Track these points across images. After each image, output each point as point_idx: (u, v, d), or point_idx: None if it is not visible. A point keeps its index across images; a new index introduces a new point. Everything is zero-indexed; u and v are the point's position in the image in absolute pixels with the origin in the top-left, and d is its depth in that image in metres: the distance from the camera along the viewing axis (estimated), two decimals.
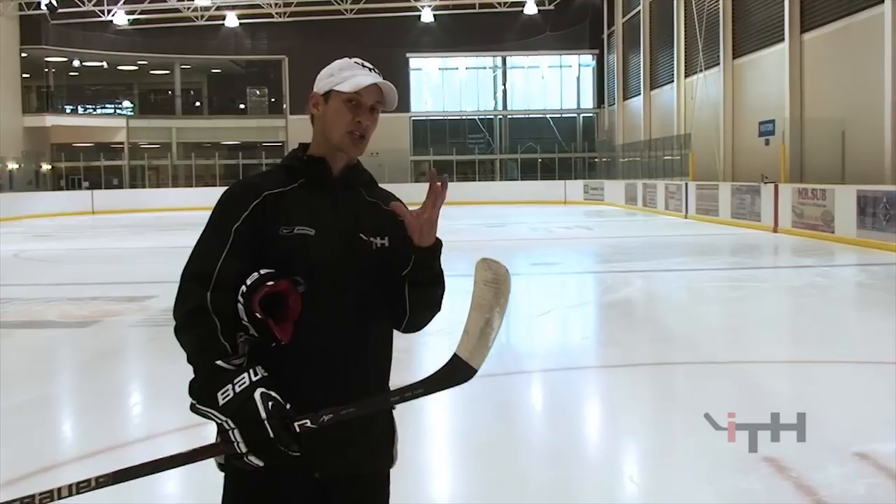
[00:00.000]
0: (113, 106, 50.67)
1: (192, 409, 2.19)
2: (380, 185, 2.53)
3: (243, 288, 2.16)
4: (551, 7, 47.10)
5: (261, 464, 2.10)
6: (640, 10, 40.00)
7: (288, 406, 2.12)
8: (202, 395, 2.15)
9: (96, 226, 32.47)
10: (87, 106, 50.38)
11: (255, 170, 47.75)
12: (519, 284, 14.51)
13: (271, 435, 2.07)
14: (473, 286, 2.21)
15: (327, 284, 2.27)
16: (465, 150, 48.32)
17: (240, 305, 2.16)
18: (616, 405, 6.77)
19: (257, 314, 2.12)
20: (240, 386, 2.11)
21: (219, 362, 2.15)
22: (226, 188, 2.43)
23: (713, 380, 7.30)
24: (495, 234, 23.46)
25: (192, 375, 2.19)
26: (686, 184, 29.57)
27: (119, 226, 30.97)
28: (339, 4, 45.73)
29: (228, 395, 2.11)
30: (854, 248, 17.28)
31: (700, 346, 8.84)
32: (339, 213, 2.36)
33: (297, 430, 2.10)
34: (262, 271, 2.18)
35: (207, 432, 6.07)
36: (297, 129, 45.85)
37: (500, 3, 46.45)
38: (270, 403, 2.09)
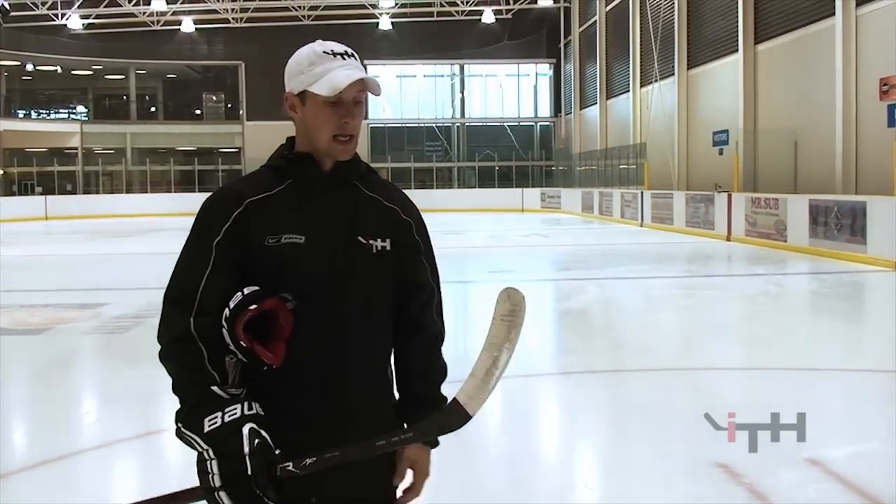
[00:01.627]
0: (67, 111, 50.07)
1: (177, 433, 2.03)
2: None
3: (226, 312, 1.99)
4: (509, 16, 47.30)
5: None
6: (596, 21, 40.33)
7: (277, 452, 1.97)
8: (189, 418, 1.99)
9: (50, 232, 32.10)
10: (41, 111, 49.79)
11: (211, 176, 47.62)
12: (475, 292, 14.60)
13: (249, 472, 1.89)
14: (491, 322, 2.04)
15: (323, 297, 2.09)
16: (422, 157, 48.35)
17: (224, 331, 2.00)
18: (572, 412, 6.80)
19: (242, 342, 1.97)
20: (230, 416, 1.96)
21: (214, 388, 2.00)
22: (206, 195, 2.21)
23: (668, 386, 7.36)
24: (452, 241, 23.47)
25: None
26: (641, 192, 29.80)
27: (73, 232, 30.60)
28: (296, 11, 45.59)
29: (216, 423, 1.95)
30: (806, 256, 17.51)
31: (655, 353, 8.91)
32: (333, 215, 2.15)
33: (278, 473, 1.94)
34: (246, 290, 2.00)
35: (164, 441, 6.01)
36: (254, 136, 45.63)
37: (458, 12, 46.58)
38: (256, 441, 1.93)
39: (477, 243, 23.00)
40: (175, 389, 2.06)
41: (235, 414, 1.96)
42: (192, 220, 2.19)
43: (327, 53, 2.13)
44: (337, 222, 2.14)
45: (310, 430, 2.09)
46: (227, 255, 2.07)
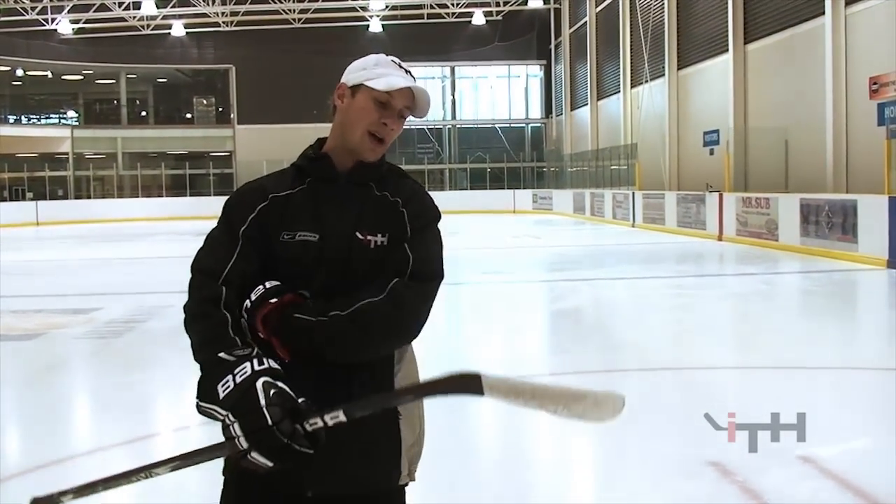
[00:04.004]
0: (57, 116, 49.98)
1: (197, 408, 2.01)
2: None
3: (247, 303, 2.06)
4: (499, 18, 47.34)
5: (268, 463, 1.87)
6: (586, 22, 40.39)
7: (301, 401, 1.93)
8: (204, 390, 1.99)
9: (41, 237, 32.02)
10: (31, 116, 49.67)
11: (202, 180, 47.52)
12: (468, 294, 14.61)
13: (270, 423, 1.85)
14: (581, 391, 1.88)
15: (327, 291, 2.12)
16: (413, 159, 48.32)
17: (243, 321, 2.06)
18: None
19: (260, 333, 2.03)
20: (241, 376, 1.94)
21: (221, 354, 2.00)
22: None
23: (660, 386, 7.38)
24: (444, 243, 23.45)
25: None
26: (633, 193, 29.84)
27: (64, 237, 30.53)
28: (286, 14, 45.55)
29: (229, 386, 1.94)
30: (797, 255, 17.55)
31: (647, 353, 8.92)
32: (344, 215, 2.21)
33: (304, 421, 1.90)
34: (268, 284, 2.08)
35: (156, 445, 6.02)
36: (245, 139, 45.62)
37: (448, 14, 46.60)
38: (273, 391, 1.91)
39: (469, 245, 22.97)
40: (195, 355, 2.08)
41: (246, 372, 1.95)
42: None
43: (394, 63, 2.29)
44: (345, 220, 2.20)
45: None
46: (252, 244, 2.17)
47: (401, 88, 2.21)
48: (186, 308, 2.13)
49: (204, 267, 2.17)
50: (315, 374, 2.09)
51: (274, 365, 1.99)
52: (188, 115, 50.55)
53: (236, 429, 1.88)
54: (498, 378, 1.95)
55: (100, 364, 8.99)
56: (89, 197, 46.37)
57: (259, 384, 1.92)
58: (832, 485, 4.74)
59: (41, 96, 50.45)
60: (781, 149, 22.60)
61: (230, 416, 1.91)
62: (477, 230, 29.23)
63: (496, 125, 49.40)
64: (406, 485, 2.30)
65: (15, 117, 48.24)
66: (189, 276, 2.19)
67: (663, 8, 30.87)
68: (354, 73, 2.26)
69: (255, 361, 1.98)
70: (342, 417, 1.92)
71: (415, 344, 2.29)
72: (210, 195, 41.67)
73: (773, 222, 19.29)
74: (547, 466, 5.56)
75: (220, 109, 49.70)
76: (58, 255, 23.31)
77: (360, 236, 2.18)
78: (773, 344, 9.26)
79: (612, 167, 34.78)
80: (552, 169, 46.27)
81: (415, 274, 2.17)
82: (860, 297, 13.55)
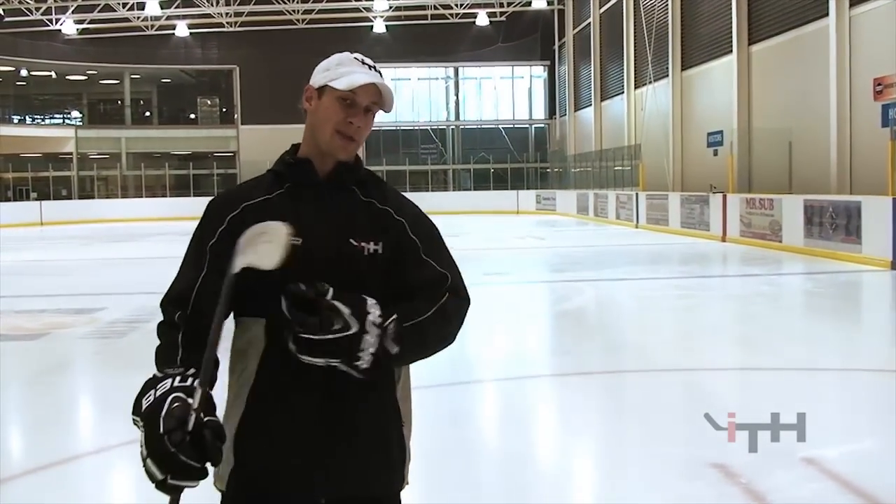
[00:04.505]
0: (61, 116, 50.04)
1: (134, 423, 2.03)
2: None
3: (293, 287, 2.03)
4: (503, 19, 47.34)
5: (158, 475, 1.89)
6: (590, 23, 40.37)
7: (207, 419, 1.93)
8: (134, 405, 2.02)
9: (45, 237, 32.04)
10: (35, 116, 49.74)
11: (206, 180, 47.55)
12: (472, 295, 14.47)
13: (161, 431, 1.88)
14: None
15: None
16: (417, 160, 48.35)
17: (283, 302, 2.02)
18: (568, 413, 6.81)
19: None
20: (160, 390, 1.98)
21: (156, 372, 2.05)
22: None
23: (664, 387, 7.37)
24: (448, 244, 23.44)
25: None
26: (636, 194, 29.82)
27: (68, 237, 30.58)
28: (290, 14, 45.57)
29: (150, 399, 1.98)
30: (801, 256, 17.53)
31: (650, 354, 8.92)
32: (330, 218, 2.18)
33: (192, 426, 1.89)
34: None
35: None
36: (249, 139, 45.64)
37: (452, 15, 46.60)
38: (176, 404, 1.93)
39: (472, 246, 22.96)
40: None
41: (165, 387, 1.99)
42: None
43: (357, 60, 2.24)
44: (333, 225, 2.17)
45: (310, 441, 2.13)
46: (220, 258, 2.13)
47: (363, 85, 2.17)
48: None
49: (171, 296, 2.20)
50: (321, 395, 2.12)
51: (192, 384, 2.00)
52: (192, 116, 50.59)
53: (141, 437, 1.94)
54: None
55: (103, 364, 9.01)
56: (93, 197, 46.41)
57: (170, 398, 1.96)
58: (835, 486, 4.74)
59: (45, 96, 50.50)
60: (785, 150, 22.58)
61: (140, 424, 1.96)
62: (480, 231, 29.25)
63: (500, 126, 49.41)
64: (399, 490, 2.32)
65: (19, 117, 48.31)
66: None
67: (667, 9, 30.85)
68: (319, 74, 2.25)
69: (178, 378, 2.01)
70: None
71: None
72: (214, 195, 41.21)
73: (776, 223, 19.28)
74: (549, 467, 5.55)
75: (224, 110, 49.74)
76: (61, 255, 23.34)
77: (353, 242, 2.17)
78: (776, 345, 9.25)
79: (616, 168, 34.77)
80: (556, 170, 46.26)
81: (454, 288, 2.28)
82: (864, 299, 13.53)
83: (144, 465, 1.92)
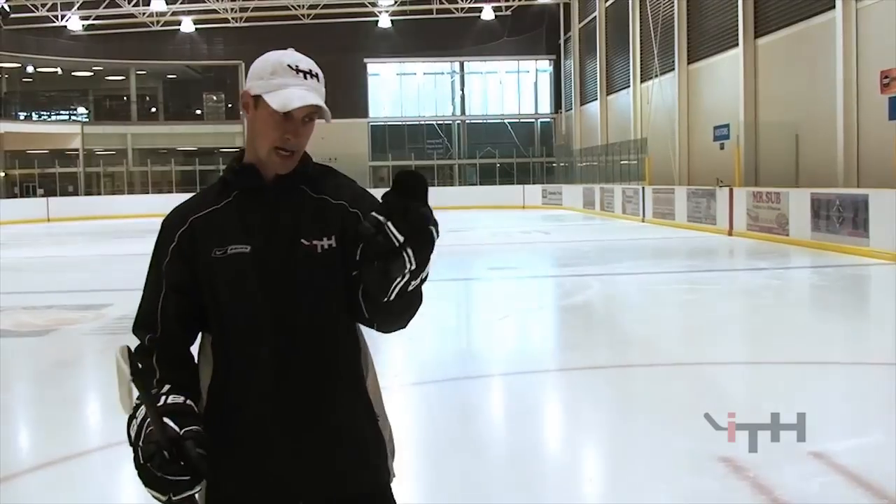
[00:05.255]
0: (67, 112, 50.00)
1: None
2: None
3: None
4: (508, 13, 47.28)
5: (161, 497, 1.99)
6: (596, 16, 40.29)
7: (184, 431, 2.01)
8: (127, 433, 2.10)
9: (52, 233, 32.09)
10: (42, 112, 49.72)
11: (213, 176, 47.64)
12: (478, 289, 14.60)
13: (141, 461, 1.99)
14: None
15: (271, 304, 2.10)
16: (423, 155, 48.31)
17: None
18: (575, 407, 6.81)
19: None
20: (139, 417, 2.07)
21: (136, 398, 2.11)
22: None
23: (671, 382, 7.37)
24: (454, 238, 23.47)
25: None
26: (643, 188, 29.79)
27: (75, 233, 30.62)
28: (296, 10, 45.57)
29: (134, 428, 2.07)
30: (808, 250, 17.50)
31: (658, 348, 8.91)
32: (278, 221, 2.13)
33: (192, 454, 1.98)
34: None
35: None
36: None
37: (457, 9, 46.55)
38: (149, 430, 2.02)
39: (478, 240, 22.98)
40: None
41: (141, 414, 2.06)
42: None
43: (291, 68, 2.12)
44: (281, 228, 2.13)
45: (274, 446, 2.13)
46: (175, 276, 2.17)
47: (296, 107, 2.08)
48: None
49: (138, 321, 2.23)
50: (274, 406, 2.12)
51: (172, 400, 2.07)
52: (198, 112, 50.57)
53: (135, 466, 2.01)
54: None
55: (110, 360, 8.99)
56: (100, 193, 46.47)
57: (145, 424, 2.03)
58: (843, 480, 4.73)
59: (51, 93, 50.51)
60: (792, 143, 22.53)
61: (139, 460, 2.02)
62: (486, 226, 29.23)
63: (505, 120, 49.32)
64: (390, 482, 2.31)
65: (25, 114, 48.30)
66: None
67: (673, 2, 30.77)
68: (254, 80, 2.15)
69: (154, 400, 2.06)
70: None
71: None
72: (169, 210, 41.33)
73: (783, 217, 19.24)
74: (556, 461, 5.55)
75: (230, 105, 49.68)
76: (68, 251, 23.37)
77: (305, 242, 2.12)
78: (783, 339, 9.24)
79: (622, 162, 34.72)
80: (562, 164, 46.21)
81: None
82: (871, 292, 13.51)
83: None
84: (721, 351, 8.84)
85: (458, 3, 46.23)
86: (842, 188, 18.69)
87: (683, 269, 16.25)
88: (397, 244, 1.80)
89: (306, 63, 2.15)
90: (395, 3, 45.68)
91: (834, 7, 20.50)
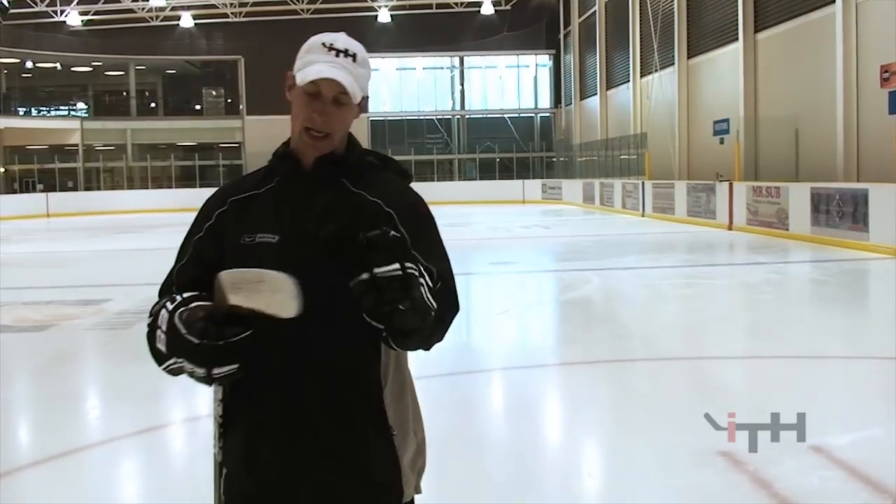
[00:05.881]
0: (67, 108, 49.99)
1: (167, 372, 2.03)
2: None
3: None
4: (508, 7, 47.26)
5: (201, 372, 1.89)
6: (595, 11, 40.23)
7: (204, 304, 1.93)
8: (157, 355, 1.99)
9: (51, 229, 32.08)
10: (41, 108, 49.71)
11: (212, 171, 47.61)
12: (478, 284, 14.61)
13: (195, 343, 1.87)
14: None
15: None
16: (423, 150, 48.30)
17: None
18: (575, 402, 6.81)
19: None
20: (164, 323, 1.95)
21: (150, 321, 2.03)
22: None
23: (671, 376, 7.37)
24: (454, 233, 23.48)
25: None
26: (643, 182, 29.79)
27: (74, 228, 30.63)
28: (295, 4, 45.57)
29: (162, 339, 1.95)
30: (808, 244, 17.50)
31: (657, 342, 8.91)
32: (308, 214, 2.05)
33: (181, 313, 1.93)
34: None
35: (168, 436, 6.04)
36: (254, 130, 45.58)
37: (456, 4, 46.55)
38: (185, 315, 1.92)
39: (478, 235, 22.98)
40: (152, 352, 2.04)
41: (165, 318, 1.95)
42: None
43: (325, 46, 2.06)
44: (307, 221, 2.04)
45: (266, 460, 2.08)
46: (201, 251, 2.14)
47: (321, 79, 2.01)
48: None
49: (162, 287, 2.18)
50: (281, 428, 2.06)
51: (184, 295, 1.99)
52: (197, 107, 50.56)
53: (188, 366, 1.91)
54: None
55: (110, 355, 9.03)
56: (99, 188, 46.49)
57: (175, 320, 1.92)
58: (842, 474, 4.73)
59: (51, 88, 50.51)
60: (792, 138, 22.51)
61: (178, 360, 1.92)
62: (486, 220, 29.23)
63: (505, 115, 49.30)
64: (411, 501, 2.22)
65: (25, 109, 48.28)
66: None
67: None
68: (297, 61, 2.09)
69: (169, 304, 1.98)
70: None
71: None
72: (219, 186, 41.33)
73: (783, 212, 19.24)
74: (556, 456, 5.56)
75: (230, 100, 49.68)
76: (68, 246, 23.36)
77: None
78: (783, 333, 9.24)
79: (622, 157, 34.70)
80: (561, 159, 46.18)
81: (444, 274, 2.03)
82: (871, 287, 13.51)
83: (186, 372, 1.93)
84: (721, 345, 8.85)
85: None
86: (842, 182, 18.68)
87: (683, 264, 16.25)
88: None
89: (343, 42, 2.08)
90: None
91: (834, 1, 20.46)
